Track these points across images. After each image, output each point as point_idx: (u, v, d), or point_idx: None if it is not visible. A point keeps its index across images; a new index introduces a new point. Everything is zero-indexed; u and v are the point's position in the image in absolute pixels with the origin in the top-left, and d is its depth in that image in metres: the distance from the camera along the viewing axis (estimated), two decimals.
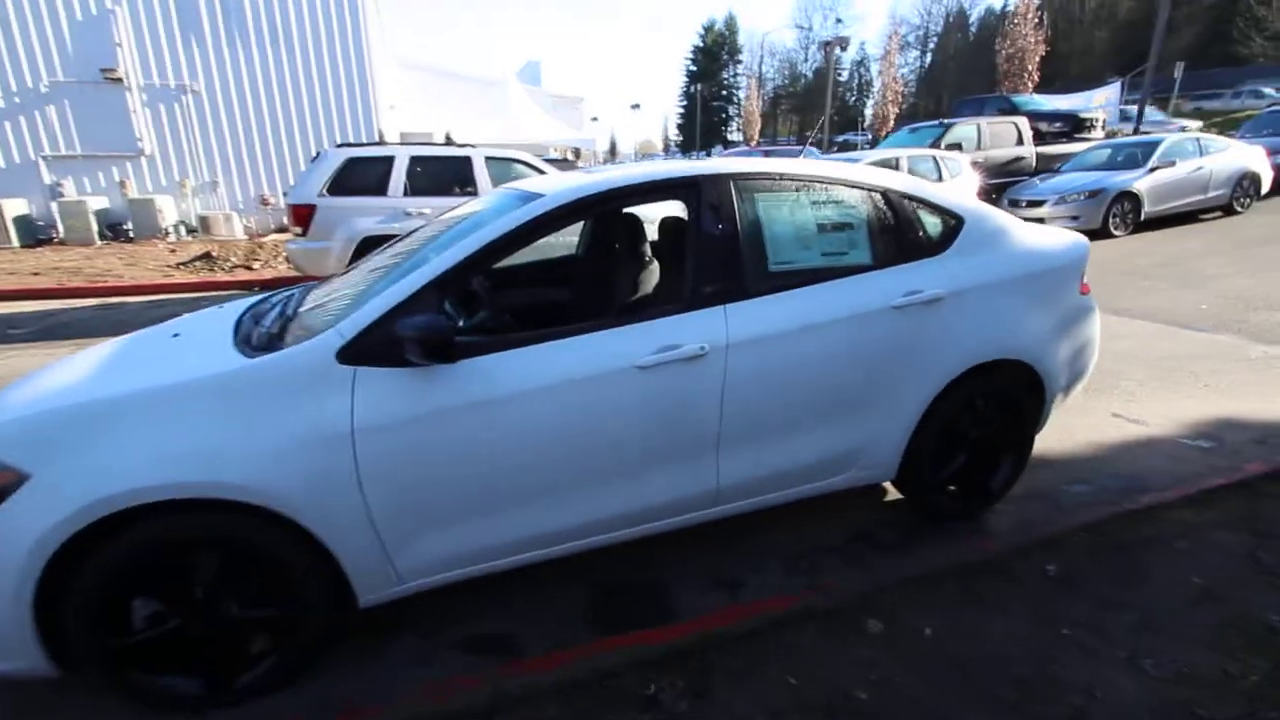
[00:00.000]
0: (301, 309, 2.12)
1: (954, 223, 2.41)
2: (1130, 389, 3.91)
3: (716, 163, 2.17)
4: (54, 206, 12.43)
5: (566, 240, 3.60)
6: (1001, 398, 2.50)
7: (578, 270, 3.32)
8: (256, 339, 1.90)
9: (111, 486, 1.51)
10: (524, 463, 1.88)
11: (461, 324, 2.34)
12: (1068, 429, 3.32)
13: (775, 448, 2.18)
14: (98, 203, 12.72)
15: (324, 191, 6.22)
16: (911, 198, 2.36)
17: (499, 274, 3.13)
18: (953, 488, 2.57)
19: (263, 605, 1.76)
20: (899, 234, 2.32)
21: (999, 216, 2.53)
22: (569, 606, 2.19)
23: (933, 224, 2.39)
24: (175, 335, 2.15)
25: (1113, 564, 2.24)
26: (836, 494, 2.41)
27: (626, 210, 3.09)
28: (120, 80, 12.80)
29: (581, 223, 3.46)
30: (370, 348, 1.71)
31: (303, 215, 6.20)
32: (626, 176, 2.10)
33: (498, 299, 2.29)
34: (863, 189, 2.32)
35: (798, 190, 2.24)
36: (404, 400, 1.73)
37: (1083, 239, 2.70)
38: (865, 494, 2.76)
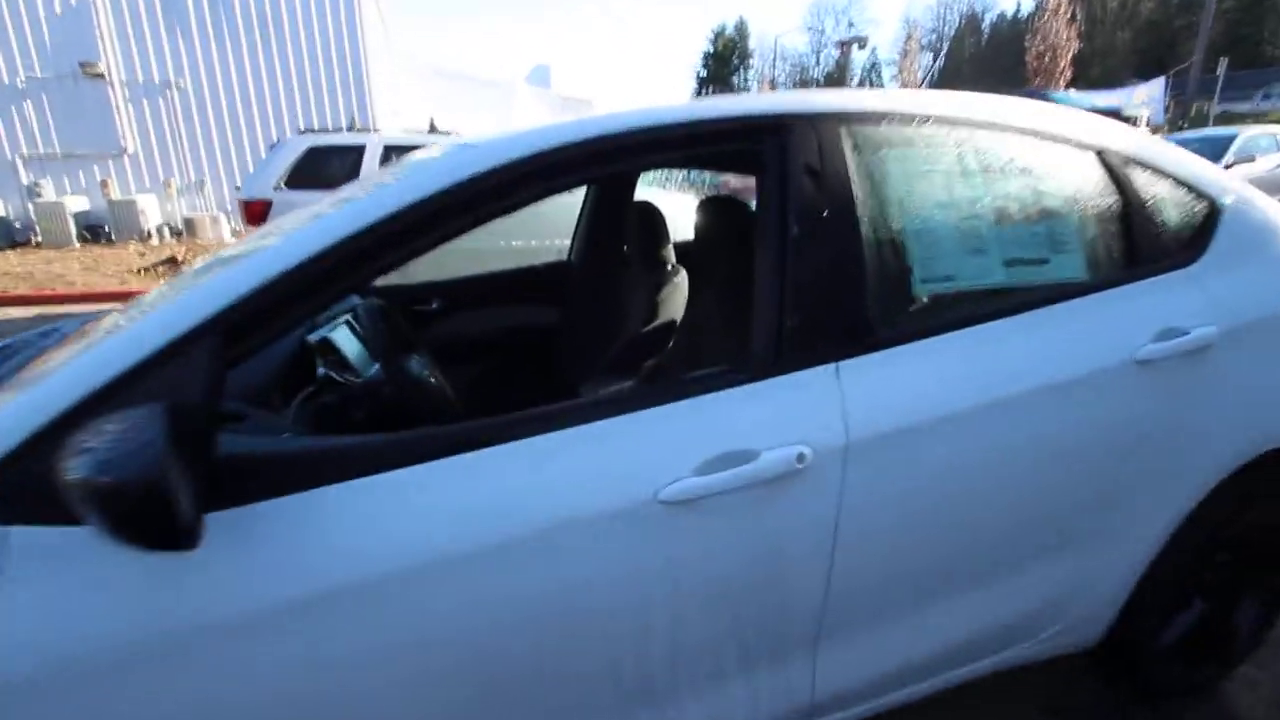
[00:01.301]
0: (21, 372, 1.08)
1: (1207, 210, 1.40)
2: None
3: (814, 95, 1.16)
4: (30, 208, 11.66)
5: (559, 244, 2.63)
6: (1260, 505, 1.49)
7: (569, 290, 2.31)
8: None
9: None
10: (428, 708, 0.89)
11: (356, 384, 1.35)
12: None
13: (915, 624, 1.18)
14: (77, 204, 11.99)
15: (280, 185, 5.29)
16: (1144, 163, 1.35)
17: (414, 296, 2.09)
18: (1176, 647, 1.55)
19: None
20: (1128, 227, 1.30)
21: (1263, 200, 1.52)
22: None
23: (1174, 211, 1.38)
24: None
25: None
26: None
27: (642, 199, 2.13)
28: (101, 75, 12.10)
29: (575, 215, 2.47)
30: (33, 488, 0.73)
31: (256, 212, 5.26)
32: (647, 115, 1.09)
33: (415, 342, 1.29)
34: (1067, 144, 1.30)
35: (959, 146, 1.23)
36: (120, 602, 0.74)
37: None
38: None
